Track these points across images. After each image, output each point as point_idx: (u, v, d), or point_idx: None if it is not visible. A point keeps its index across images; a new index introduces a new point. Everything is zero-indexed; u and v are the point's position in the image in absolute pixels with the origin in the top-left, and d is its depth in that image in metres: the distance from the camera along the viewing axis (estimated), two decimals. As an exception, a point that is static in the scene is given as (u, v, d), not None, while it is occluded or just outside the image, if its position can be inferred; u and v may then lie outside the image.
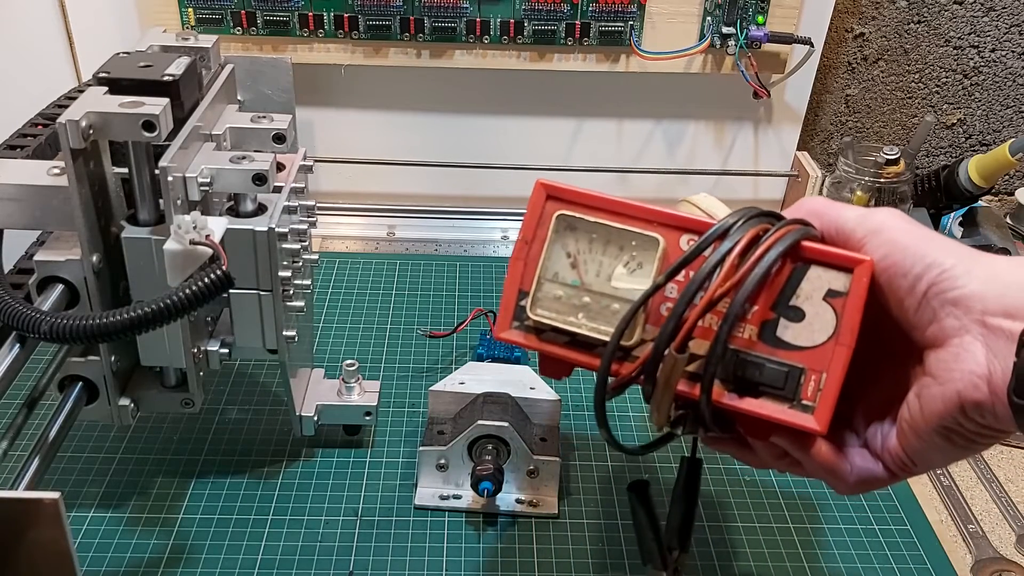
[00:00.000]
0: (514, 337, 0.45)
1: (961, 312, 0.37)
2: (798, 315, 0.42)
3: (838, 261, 0.41)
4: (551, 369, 0.46)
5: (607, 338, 0.42)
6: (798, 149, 1.02)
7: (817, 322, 0.42)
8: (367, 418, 0.68)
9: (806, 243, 0.41)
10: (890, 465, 0.41)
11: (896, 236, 0.39)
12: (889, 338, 0.41)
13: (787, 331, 0.42)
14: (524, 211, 0.46)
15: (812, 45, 0.89)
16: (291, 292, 0.57)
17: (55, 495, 0.37)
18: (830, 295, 0.41)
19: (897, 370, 0.41)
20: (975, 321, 0.36)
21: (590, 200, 0.44)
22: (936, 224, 0.95)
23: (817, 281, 0.41)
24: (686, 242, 0.43)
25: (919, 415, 0.38)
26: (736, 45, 0.89)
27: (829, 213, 0.42)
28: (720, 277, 0.40)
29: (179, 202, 0.51)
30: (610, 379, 0.42)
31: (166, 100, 0.49)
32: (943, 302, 0.37)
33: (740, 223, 0.41)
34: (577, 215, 0.44)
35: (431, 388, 0.66)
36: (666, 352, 0.40)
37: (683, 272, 0.42)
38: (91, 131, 0.48)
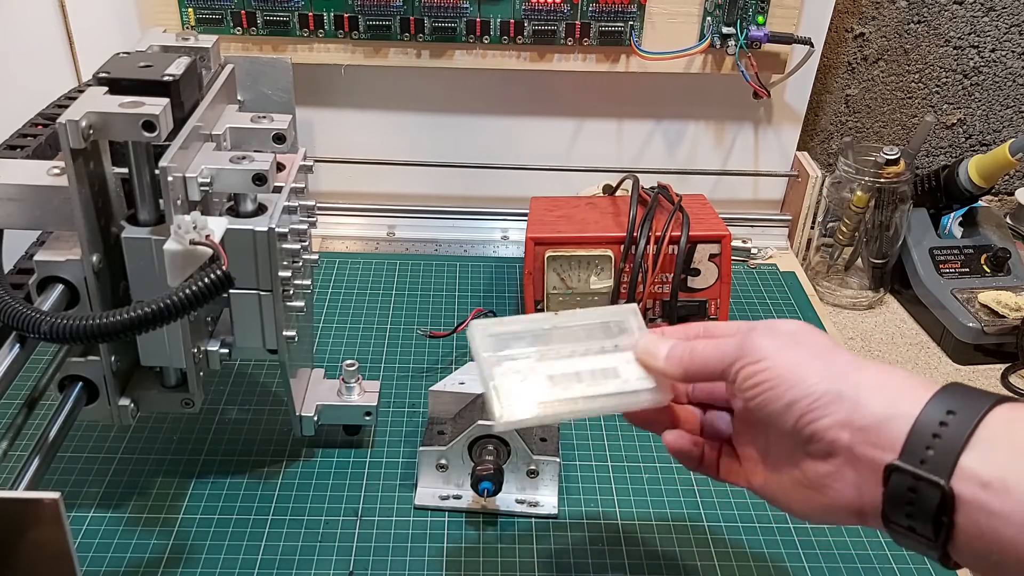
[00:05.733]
0: None
1: (840, 436, 0.40)
2: (697, 272, 0.76)
3: (711, 238, 0.75)
4: None
5: None
6: (798, 149, 1.02)
7: (707, 273, 0.76)
8: (367, 418, 0.68)
9: (692, 233, 0.74)
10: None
11: (773, 363, 0.42)
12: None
13: (693, 282, 0.77)
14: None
15: (812, 45, 0.89)
16: (291, 292, 0.57)
17: (55, 495, 0.37)
18: (711, 257, 0.76)
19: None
20: (845, 447, 0.40)
21: (562, 239, 0.76)
22: (936, 224, 0.95)
23: (702, 251, 0.76)
24: (622, 249, 0.75)
25: (782, 498, 0.45)
26: (736, 45, 0.89)
27: (694, 356, 0.46)
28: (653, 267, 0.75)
29: (179, 202, 0.51)
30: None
31: (166, 100, 0.49)
32: (816, 429, 0.41)
33: (642, 227, 0.75)
34: (558, 253, 0.76)
35: (431, 388, 0.66)
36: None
37: (626, 265, 0.75)
38: (91, 131, 0.48)
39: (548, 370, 0.49)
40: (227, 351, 0.59)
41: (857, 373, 0.41)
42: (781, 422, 0.42)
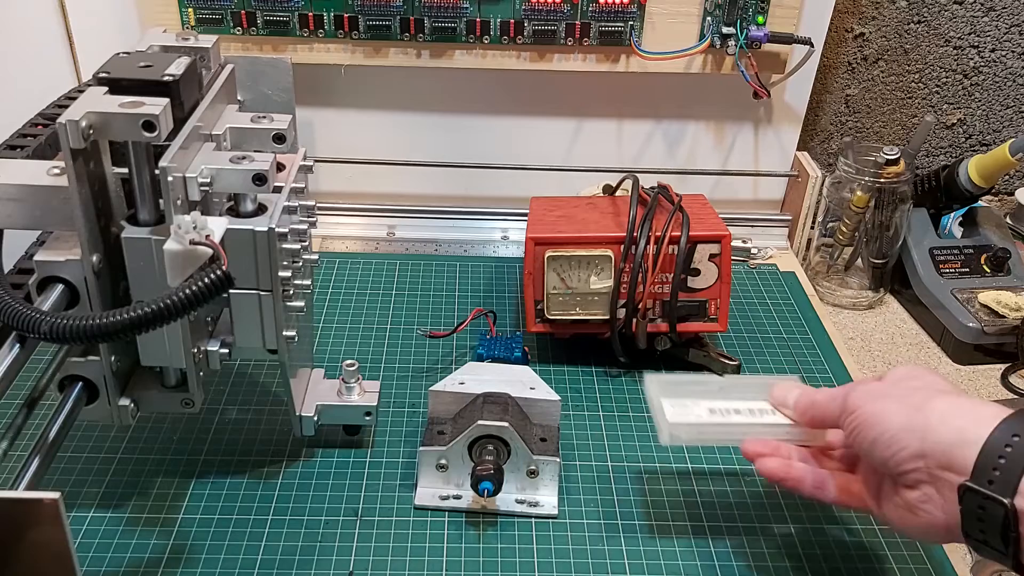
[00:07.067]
0: (539, 328, 0.78)
1: (918, 465, 0.47)
2: (696, 272, 0.75)
3: (711, 238, 0.74)
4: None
5: (599, 317, 0.76)
6: (798, 149, 1.02)
7: (707, 273, 0.75)
8: (367, 418, 0.68)
9: (692, 233, 0.73)
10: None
11: (862, 410, 0.50)
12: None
13: (693, 282, 0.76)
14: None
15: (812, 45, 0.89)
16: (291, 292, 0.57)
17: (55, 495, 0.37)
18: (711, 257, 0.75)
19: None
20: (927, 473, 0.47)
21: (562, 239, 0.75)
22: (936, 224, 0.95)
23: (702, 251, 0.74)
24: (622, 249, 0.74)
25: (896, 524, 0.51)
26: (736, 45, 0.89)
27: (814, 405, 0.55)
28: (654, 267, 0.74)
29: (179, 202, 0.51)
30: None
31: (166, 100, 0.49)
32: (896, 461, 0.48)
33: (642, 227, 0.74)
34: (558, 253, 0.75)
35: (431, 388, 0.66)
36: (634, 319, 0.76)
37: (626, 266, 0.74)
38: (91, 131, 0.48)
39: (710, 405, 0.58)
40: (227, 351, 0.59)
41: (928, 406, 0.47)
42: (872, 459, 0.50)
